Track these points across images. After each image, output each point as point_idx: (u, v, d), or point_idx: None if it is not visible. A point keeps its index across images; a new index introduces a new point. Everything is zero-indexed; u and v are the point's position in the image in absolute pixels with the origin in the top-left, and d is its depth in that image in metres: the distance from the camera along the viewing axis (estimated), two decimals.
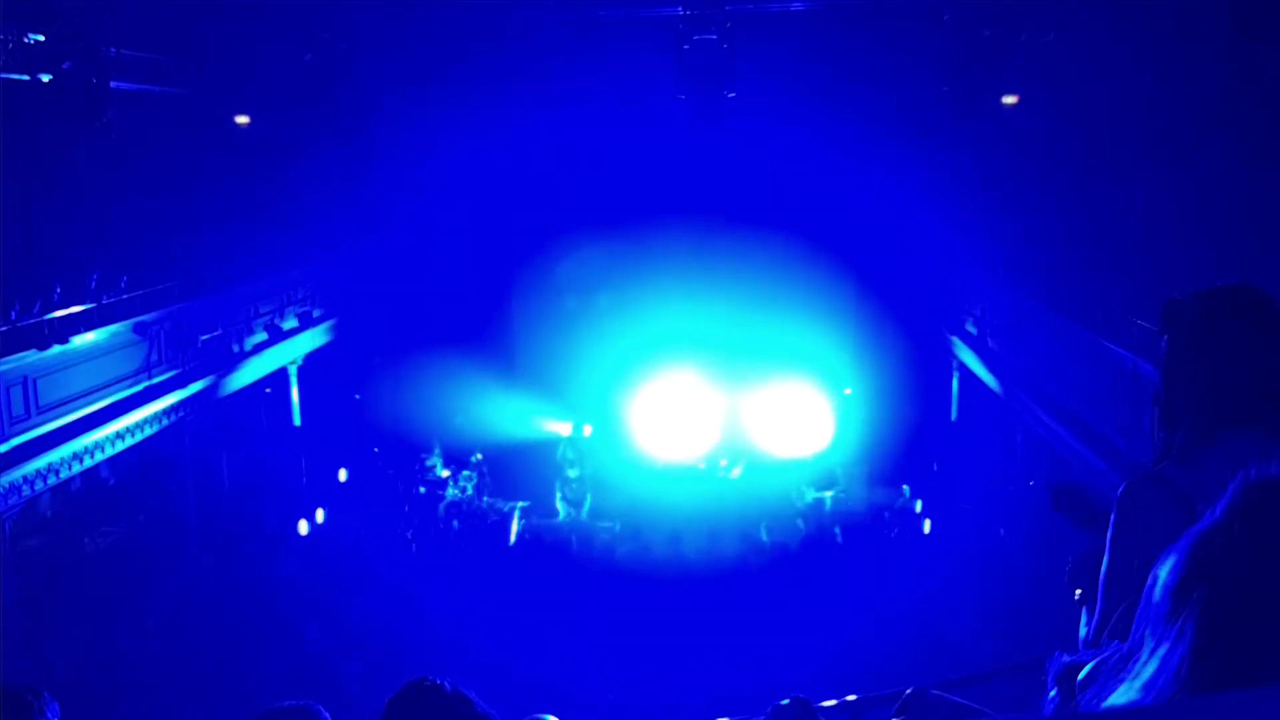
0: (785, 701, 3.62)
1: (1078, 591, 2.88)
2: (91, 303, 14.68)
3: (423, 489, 19.78)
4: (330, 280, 21.83)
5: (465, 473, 20.16)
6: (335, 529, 19.26)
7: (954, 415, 21.52)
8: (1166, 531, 1.49)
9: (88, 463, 14.17)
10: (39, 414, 13.19)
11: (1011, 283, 17.93)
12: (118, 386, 14.93)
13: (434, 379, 20.23)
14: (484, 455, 20.55)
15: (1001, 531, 18.58)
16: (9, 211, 13.29)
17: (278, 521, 19.10)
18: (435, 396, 20.38)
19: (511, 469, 20.63)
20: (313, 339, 21.10)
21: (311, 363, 21.09)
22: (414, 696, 2.49)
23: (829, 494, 19.57)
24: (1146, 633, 1.35)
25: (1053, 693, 2.07)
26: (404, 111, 20.45)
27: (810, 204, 20.32)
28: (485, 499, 20.02)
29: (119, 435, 14.72)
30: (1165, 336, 2.61)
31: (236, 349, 18.27)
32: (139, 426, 15.19)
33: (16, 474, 12.61)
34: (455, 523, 19.15)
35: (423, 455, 20.25)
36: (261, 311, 19.23)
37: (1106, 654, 1.75)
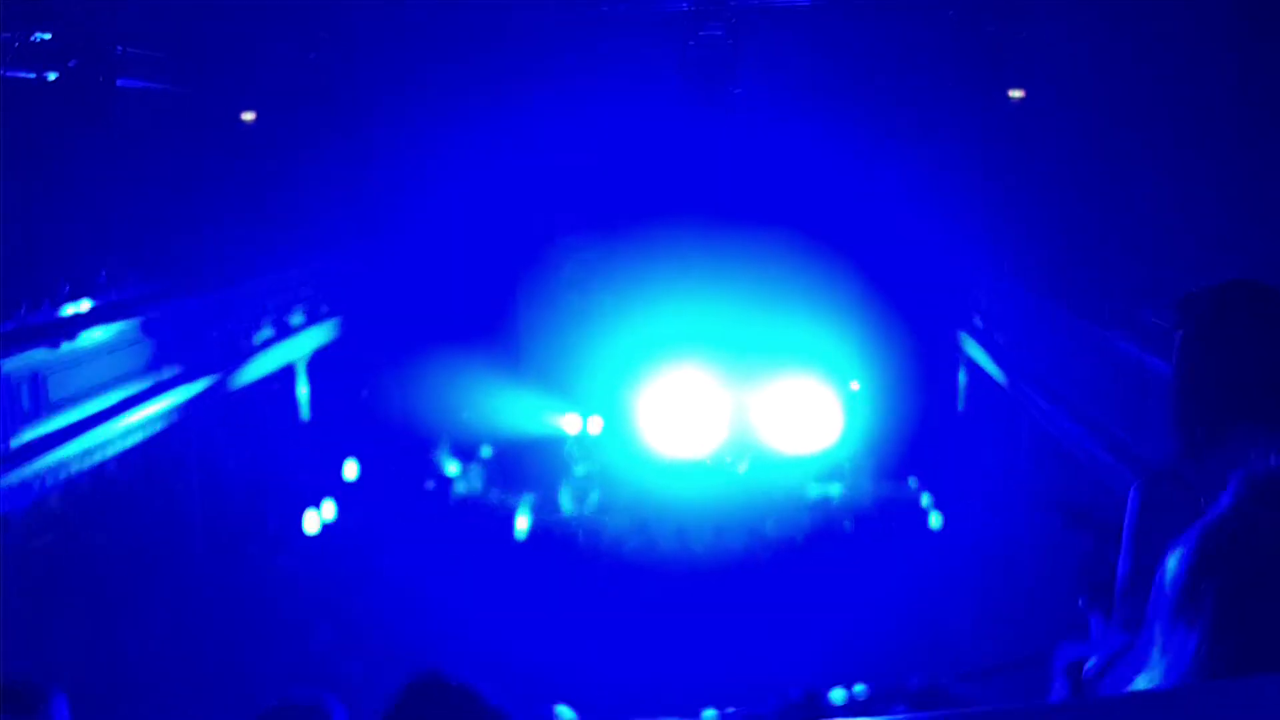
0: (795, 694, 3.63)
1: (1081, 600, 2.87)
2: (100, 300, 14.71)
3: (431, 484, 19.82)
4: (337, 276, 21.85)
5: (473, 467, 20.19)
6: (342, 525, 19.29)
7: (961, 409, 21.50)
8: (1182, 527, 1.49)
9: (96, 459, 14.20)
10: (49, 411, 13.23)
11: (1018, 277, 17.90)
12: (126, 383, 14.96)
13: (441, 374, 20.25)
14: (492, 450, 20.57)
15: (1009, 525, 18.56)
16: (16, 209, 13.31)
17: (284, 518, 19.13)
18: (443, 392, 20.39)
19: (519, 464, 20.64)
20: (320, 335, 21.12)
21: (319, 359, 21.12)
22: (424, 690, 2.49)
23: (836, 488, 19.56)
24: (1158, 624, 1.36)
25: (1059, 685, 2.08)
26: (407, 108, 20.43)
27: (816, 198, 20.29)
28: (493, 494, 20.04)
29: (127, 432, 14.76)
30: (1180, 331, 2.60)
31: (244, 345, 18.30)
32: (147, 423, 15.22)
33: (26, 471, 12.64)
34: (463, 518, 19.19)
35: (430, 450, 20.28)
36: (269, 308, 19.26)
37: (1117, 646, 1.75)
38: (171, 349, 16.09)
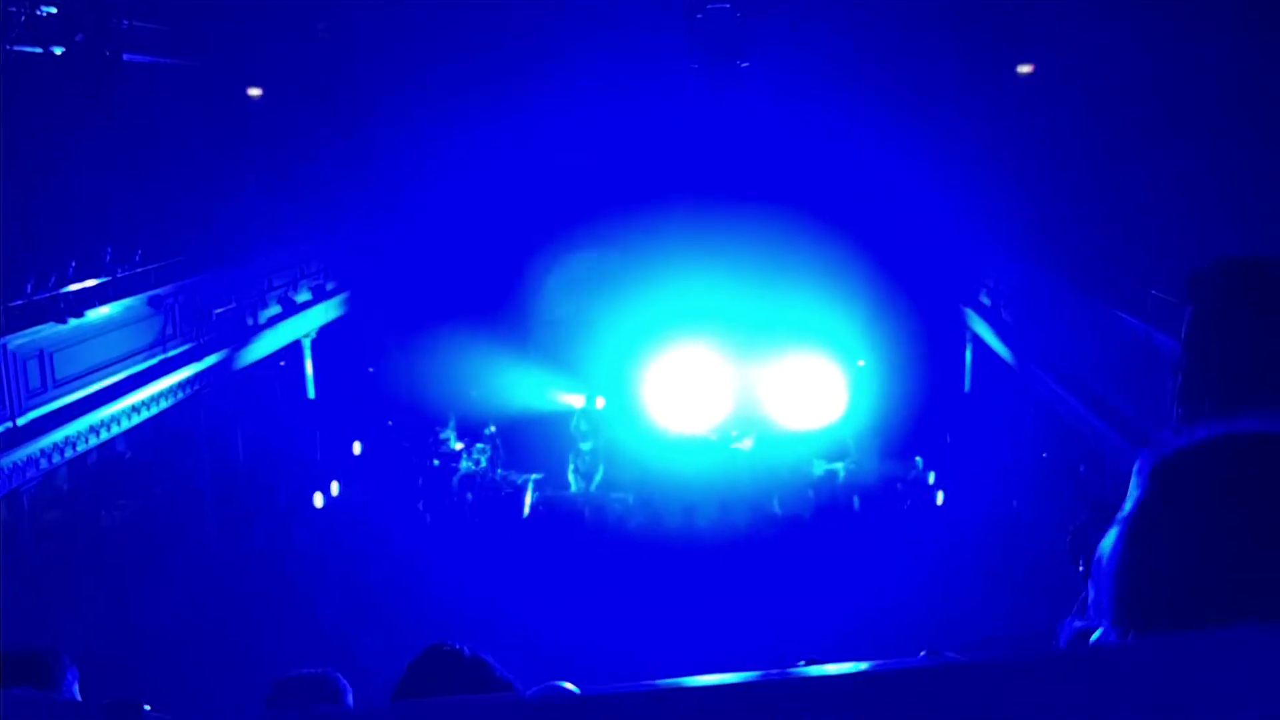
0: (801, 663, 3.65)
1: (1081, 564, 2.89)
2: (106, 276, 14.73)
3: (437, 461, 19.85)
4: (343, 253, 21.84)
5: (479, 445, 20.20)
6: (350, 501, 19.35)
7: (967, 387, 21.49)
8: None
9: (104, 436, 14.26)
10: (55, 387, 13.28)
11: (1025, 254, 17.85)
12: (133, 360, 15.00)
13: (448, 351, 20.25)
14: (498, 427, 20.59)
15: (1014, 503, 18.58)
16: (23, 186, 13.33)
17: (292, 494, 19.20)
18: (449, 369, 20.40)
19: (525, 441, 20.65)
20: (326, 312, 21.14)
21: (325, 336, 21.14)
22: (434, 660, 2.51)
23: (841, 465, 19.57)
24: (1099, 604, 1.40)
25: None
26: (415, 86, 20.38)
27: (824, 175, 20.22)
28: (499, 471, 20.08)
29: (135, 409, 14.80)
30: (1190, 308, 2.58)
31: (250, 322, 18.33)
32: (154, 400, 15.27)
33: (34, 447, 12.70)
34: (469, 495, 19.23)
35: (437, 428, 20.31)
36: (275, 285, 19.27)
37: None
38: (179, 325, 16.12)
